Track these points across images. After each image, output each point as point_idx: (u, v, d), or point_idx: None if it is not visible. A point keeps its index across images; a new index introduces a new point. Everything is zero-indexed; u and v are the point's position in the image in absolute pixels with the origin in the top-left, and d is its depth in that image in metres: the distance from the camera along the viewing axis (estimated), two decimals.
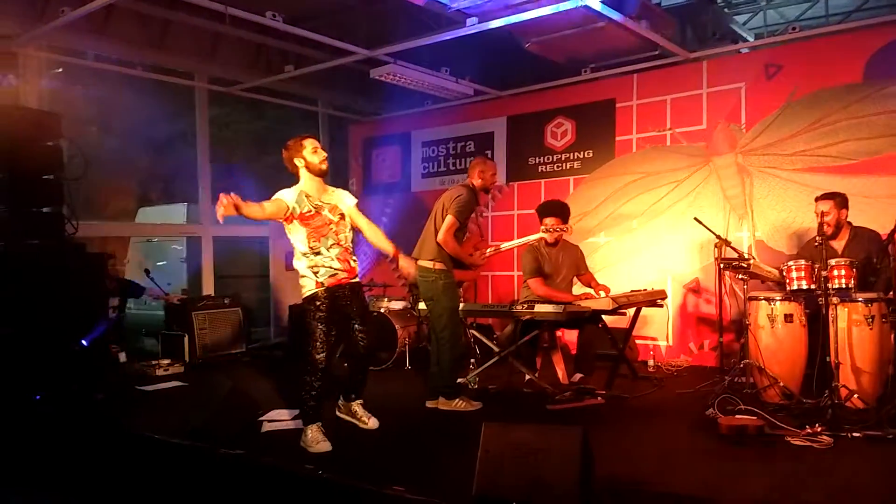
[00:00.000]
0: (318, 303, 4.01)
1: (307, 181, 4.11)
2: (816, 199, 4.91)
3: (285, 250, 7.78)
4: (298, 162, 4.09)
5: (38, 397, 4.76)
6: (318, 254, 4.02)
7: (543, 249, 5.52)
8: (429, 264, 4.73)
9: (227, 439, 3.93)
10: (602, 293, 5.30)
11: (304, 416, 4.04)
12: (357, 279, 4.24)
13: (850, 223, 4.90)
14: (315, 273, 4.02)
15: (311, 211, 4.01)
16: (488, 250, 5.16)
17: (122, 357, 6.29)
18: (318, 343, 3.97)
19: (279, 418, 4.55)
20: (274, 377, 6.26)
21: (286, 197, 4.00)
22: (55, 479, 4.04)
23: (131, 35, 6.86)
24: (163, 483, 3.86)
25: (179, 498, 3.70)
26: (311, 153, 4.08)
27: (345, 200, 4.22)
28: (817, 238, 4.41)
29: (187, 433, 4.06)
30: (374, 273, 8.20)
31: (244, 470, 3.67)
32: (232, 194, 3.63)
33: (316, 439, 3.90)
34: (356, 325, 4.16)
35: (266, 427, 4.36)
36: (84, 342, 5.18)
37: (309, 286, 4.05)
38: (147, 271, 7.30)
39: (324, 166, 4.11)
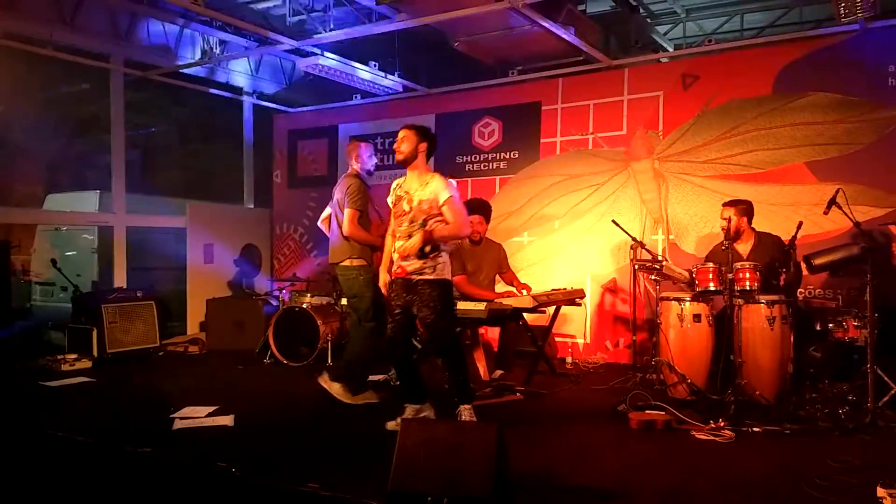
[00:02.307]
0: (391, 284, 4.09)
1: (420, 167, 4.05)
2: (723, 206, 5.15)
3: (203, 242, 7.60)
4: (422, 147, 4.02)
5: None
6: (394, 239, 4.04)
7: (467, 247, 5.58)
8: (347, 262, 4.75)
9: (136, 437, 3.79)
10: (523, 291, 5.41)
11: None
12: (410, 277, 3.94)
13: (754, 229, 5.16)
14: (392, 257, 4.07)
15: (394, 201, 4.08)
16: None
17: None
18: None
19: (193, 415, 4.41)
20: (189, 373, 6.07)
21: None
22: None
23: (41, 11, 6.49)
24: (66, 482, 3.68)
25: (84, 497, 3.53)
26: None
27: (431, 192, 3.92)
28: (724, 242, 4.64)
29: (93, 431, 3.88)
30: (296, 268, 8.07)
31: (152, 468, 3.54)
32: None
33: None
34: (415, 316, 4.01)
35: (178, 424, 4.22)
36: None
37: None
38: (54, 261, 6.94)
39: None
